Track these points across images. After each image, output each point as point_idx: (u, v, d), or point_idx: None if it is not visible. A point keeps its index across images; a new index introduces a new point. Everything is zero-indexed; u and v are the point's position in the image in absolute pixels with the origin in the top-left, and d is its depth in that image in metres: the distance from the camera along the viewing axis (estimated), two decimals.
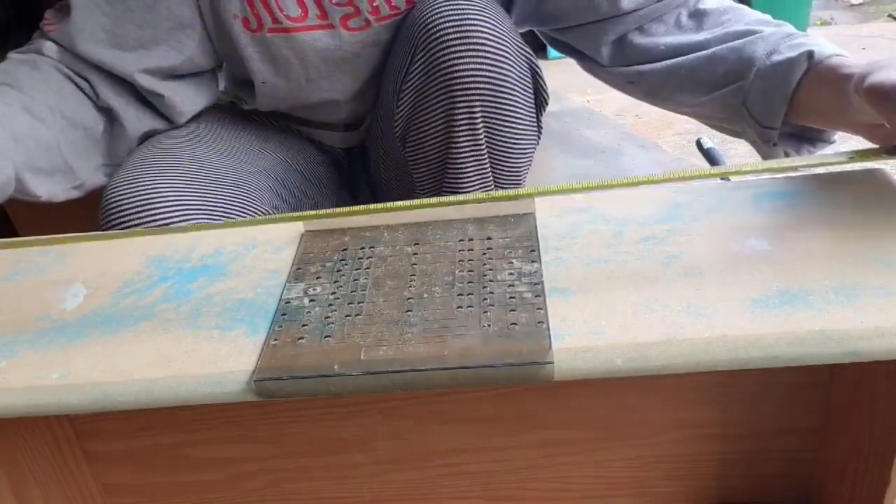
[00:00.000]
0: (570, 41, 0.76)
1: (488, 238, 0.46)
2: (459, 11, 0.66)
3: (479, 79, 0.66)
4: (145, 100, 0.73)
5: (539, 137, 0.77)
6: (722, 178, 0.50)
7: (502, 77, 0.67)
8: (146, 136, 0.75)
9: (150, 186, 0.67)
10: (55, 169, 0.66)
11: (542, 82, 0.73)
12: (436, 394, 0.56)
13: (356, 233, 0.49)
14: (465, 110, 0.67)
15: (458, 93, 0.67)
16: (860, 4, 3.42)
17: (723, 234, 0.44)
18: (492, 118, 0.69)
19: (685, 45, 0.67)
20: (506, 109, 0.69)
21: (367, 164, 0.92)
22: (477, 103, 0.67)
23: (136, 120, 0.72)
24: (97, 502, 0.63)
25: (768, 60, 0.60)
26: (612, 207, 0.48)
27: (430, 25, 0.66)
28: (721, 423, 0.57)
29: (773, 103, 0.59)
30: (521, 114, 0.71)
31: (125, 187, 0.67)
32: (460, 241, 0.46)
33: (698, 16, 0.68)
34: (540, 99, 0.73)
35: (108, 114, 0.71)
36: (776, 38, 0.61)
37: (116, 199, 0.66)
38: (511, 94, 0.69)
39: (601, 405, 0.56)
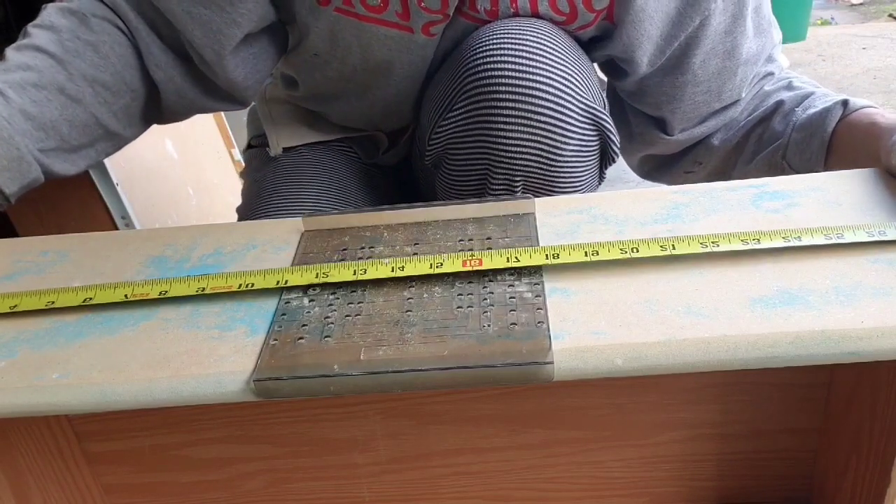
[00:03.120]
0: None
1: (488, 238, 0.46)
2: (519, 64, 0.57)
3: (527, 151, 0.59)
4: (191, 73, 0.67)
5: (598, 184, 0.71)
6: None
7: (556, 150, 0.60)
8: (189, 111, 0.71)
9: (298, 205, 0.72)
10: (95, 139, 0.63)
11: (610, 142, 0.64)
12: (436, 394, 0.56)
13: (356, 232, 0.49)
14: (504, 178, 0.61)
15: (500, 160, 0.60)
16: (860, 4, 3.42)
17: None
18: (536, 188, 0.63)
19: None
20: (555, 181, 0.62)
21: (411, 179, 0.89)
22: (519, 174, 0.61)
23: (176, 95, 0.67)
24: (97, 502, 0.63)
25: (804, 114, 0.61)
26: (612, 207, 0.48)
27: (480, 72, 0.58)
28: (721, 423, 0.57)
29: (812, 151, 0.59)
30: (574, 181, 0.63)
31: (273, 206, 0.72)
32: (460, 241, 0.46)
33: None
34: (607, 157, 0.66)
35: (150, 82, 0.66)
36: (813, 98, 0.62)
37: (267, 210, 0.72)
38: (564, 167, 0.61)
39: (601, 405, 0.56)
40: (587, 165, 0.64)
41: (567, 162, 0.61)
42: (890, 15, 3.15)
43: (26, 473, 0.58)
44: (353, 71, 0.70)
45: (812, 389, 0.55)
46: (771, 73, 0.68)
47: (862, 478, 0.50)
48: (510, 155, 0.60)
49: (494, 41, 0.59)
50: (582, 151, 0.62)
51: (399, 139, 0.83)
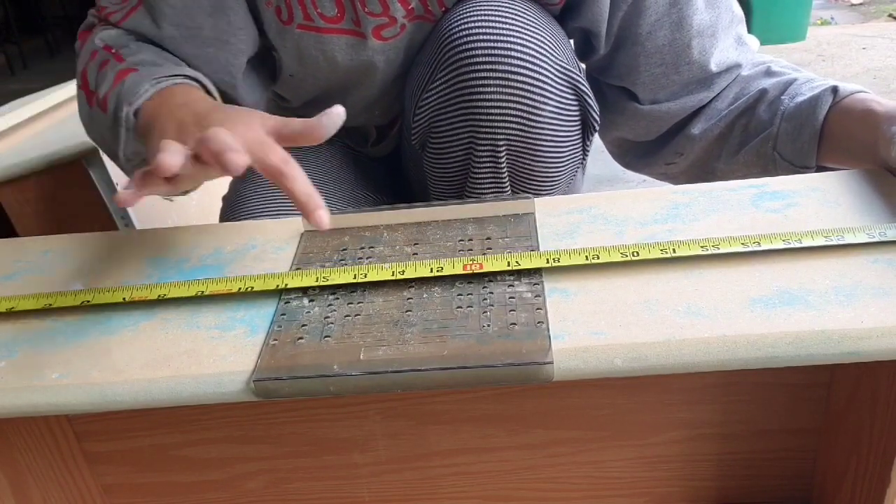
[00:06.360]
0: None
1: (488, 238, 0.46)
2: (493, 31, 0.60)
3: (507, 112, 0.60)
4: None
5: (583, 161, 0.72)
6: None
7: (535, 110, 0.61)
8: None
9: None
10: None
11: (590, 109, 0.66)
12: (436, 394, 0.56)
13: (356, 232, 0.49)
14: (487, 143, 0.62)
15: (482, 124, 0.61)
16: (860, 4, 3.43)
17: (723, 234, 0.44)
18: (519, 153, 0.63)
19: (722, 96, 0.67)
20: (536, 144, 0.63)
21: (402, 170, 0.89)
22: (502, 138, 0.62)
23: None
24: (96, 502, 0.63)
25: (792, 102, 0.60)
26: (612, 207, 0.48)
27: (457, 42, 0.60)
28: (721, 423, 0.57)
29: (804, 141, 0.58)
30: (555, 146, 0.64)
31: (252, 202, 0.74)
32: (460, 240, 0.46)
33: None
34: (588, 126, 0.67)
35: None
36: (797, 84, 0.62)
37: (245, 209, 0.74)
38: (544, 128, 0.62)
39: (601, 405, 0.56)
40: (568, 130, 0.65)
41: (547, 123, 0.62)
42: (890, 15, 3.16)
43: (26, 473, 0.58)
44: (326, 84, 0.73)
45: (812, 389, 0.55)
46: (738, 64, 0.67)
47: (862, 478, 0.50)
48: (492, 118, 0.61)
49: (469, 15, 0.61)
50: (561, 114, 0.63)
51: (388, 132, 0.85)
